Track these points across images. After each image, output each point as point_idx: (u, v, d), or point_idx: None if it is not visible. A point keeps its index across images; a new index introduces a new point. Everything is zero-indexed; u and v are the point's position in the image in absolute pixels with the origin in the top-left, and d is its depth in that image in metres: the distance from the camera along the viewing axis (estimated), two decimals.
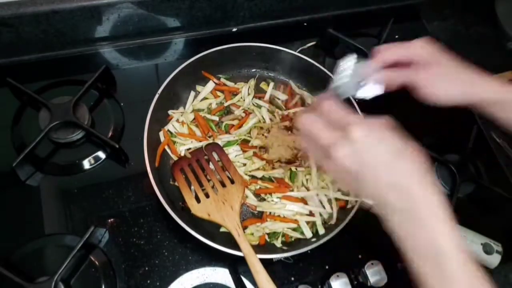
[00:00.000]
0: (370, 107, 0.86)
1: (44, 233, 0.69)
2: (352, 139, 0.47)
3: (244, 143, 0.79)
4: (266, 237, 0.72)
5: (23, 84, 0.76)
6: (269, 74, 0.89)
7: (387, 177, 0.46)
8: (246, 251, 0.62)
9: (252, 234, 0.72)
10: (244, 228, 0.72)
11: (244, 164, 0.77)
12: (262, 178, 0.77)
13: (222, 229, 0.72)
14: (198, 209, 0.68)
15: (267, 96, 0.85)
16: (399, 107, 0.94)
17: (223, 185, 0.71)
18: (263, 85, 0.87)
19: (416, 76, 0.61)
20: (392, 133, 0.49)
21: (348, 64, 0.59)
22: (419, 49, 0.60)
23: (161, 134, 0.78)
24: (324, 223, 0.74)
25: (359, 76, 0.59)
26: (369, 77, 0.59)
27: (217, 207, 0.68)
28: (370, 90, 0.60)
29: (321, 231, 0.72)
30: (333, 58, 0.96)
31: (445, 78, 0.60)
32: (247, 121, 0.81)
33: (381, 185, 0.46)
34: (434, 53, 0.60)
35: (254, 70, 0.88)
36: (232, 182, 0.71)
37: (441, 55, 0.60)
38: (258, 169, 0.77)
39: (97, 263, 0.67)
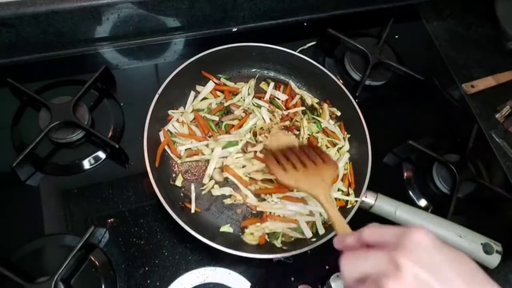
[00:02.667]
0: (370, 106, 0.86)
1: (44, 233, 0.69)
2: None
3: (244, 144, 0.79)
4: (266, 237, 0.72)
5: (23, 84, 0.76)
6: (269, 74, 0.88)
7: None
8: (334, 219, 0.57)
9: (252, 234, 0.72)
10: (244, 228, 0.72)
11: (244, 166, 0.77)
12: (262, 180, 0.77)
13: (222, 229, 0.72)
14: (284, 176, 0.67)
15: (267, 96, 0.85)
16: (400, 107, 0.95)
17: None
18: (263, 85, 0.87)
19: None
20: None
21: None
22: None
23: (161, 134, 0.78)
24: (324, 223, 0.74)
25: None
26: None
27: (305, 176, 0.66)
28: None
29: (321, 231, 0.72)
30: (333, 58, 0.96)
31: None
32: (247, 121, 0.81)
33: None
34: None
35: (254, 70, 0.88)
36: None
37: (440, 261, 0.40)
38: (257, 171, 0.77)
39: (97, 263, 0.67)
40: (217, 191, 0.75)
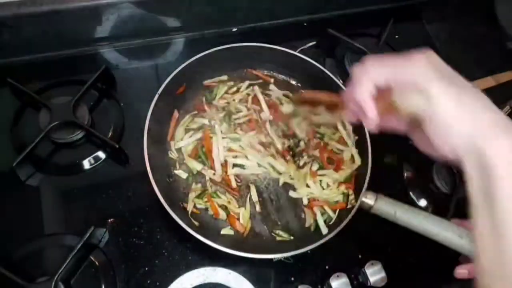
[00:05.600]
0: None
1: (44, 233, 0.69)
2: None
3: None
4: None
5: (23, 84, 0.76)
6: (269, 74, 0.88)
7: None
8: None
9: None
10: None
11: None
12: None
13: (223, 231, 0.72)
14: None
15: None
16: None
17: None
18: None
19: (413, 135, 0.52)
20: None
21: None
22: (417, 69, 0.45)
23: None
24: (324, 223, 0.74)
25: None
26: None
27: None
28: None
29: (324, 230, 0.72)
30: (333, 58, 0.96)
31: (450, 131, 0.44)
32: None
33: None
34: (437, 78, 0.45)
35: (254, 70, 0.88)
36: None
37: (445, 79, 0.46)
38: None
39: (97, 263, 0.67)
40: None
